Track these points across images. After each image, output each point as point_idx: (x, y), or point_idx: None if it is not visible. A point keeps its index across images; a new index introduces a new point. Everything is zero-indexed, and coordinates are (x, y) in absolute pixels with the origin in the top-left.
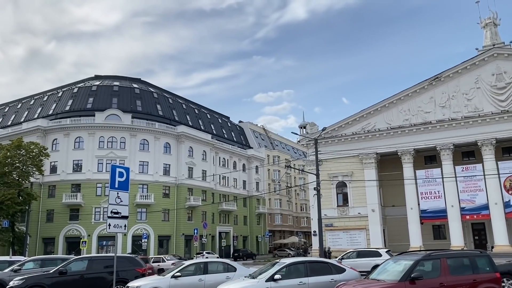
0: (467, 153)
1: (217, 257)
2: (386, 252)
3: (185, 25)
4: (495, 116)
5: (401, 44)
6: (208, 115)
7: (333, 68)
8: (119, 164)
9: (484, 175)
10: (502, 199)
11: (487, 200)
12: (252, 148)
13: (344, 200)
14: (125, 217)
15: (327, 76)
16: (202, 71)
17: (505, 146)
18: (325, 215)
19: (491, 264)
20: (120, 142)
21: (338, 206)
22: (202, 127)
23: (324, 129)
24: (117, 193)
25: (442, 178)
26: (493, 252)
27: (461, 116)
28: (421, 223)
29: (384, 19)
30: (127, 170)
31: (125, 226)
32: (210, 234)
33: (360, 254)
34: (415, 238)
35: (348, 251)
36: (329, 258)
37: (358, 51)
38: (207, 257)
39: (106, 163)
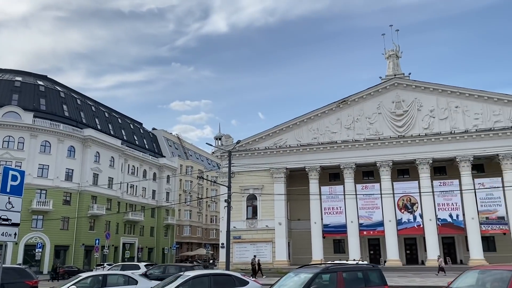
0: (367, 173)
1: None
2: (145, 265)
3: (100, 24)
4: (393, 140)
5: (315, 66)
6: (119, 119)
7: (251, 82)
8: (16, 166)
9: (381, 194)
10: (395, 217)
11: (383, 217)
12: (164, 157)
13: (253, 212)
14: (16, 225)
15: (245, 90)
16: (116, 73)
17: (400, 168)
18: (234, 227)
19: (381, 278)
20: (18, 143)
21: (247, 218)
22: (112, 132)
23: (238, 142)
24: (8, 198)
25: (344, 195)
26: (385, 266)
27: (363, 138)
28: (323, 237)
29: (300, 41)
30: (22, 173)
31: (15, 234)
32: (113, 245)
33: (124, 267)
34: (317, 251)
35: (114, 265)
36: (259, 270)
37: (275, 68)
38: (109, 269)
39: (0, 165)
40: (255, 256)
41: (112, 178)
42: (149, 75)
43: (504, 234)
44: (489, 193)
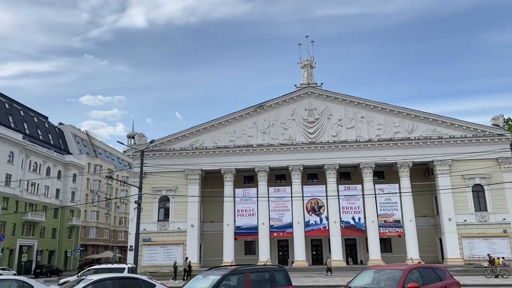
0: (280, 176)
1: (14, 274)
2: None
3: (3, 6)
4: (304, 146)
5: (234, 69)
6: (21, 112)
7: (169, 81)
8: None
9: (291, 197)
10: (304, 219)
11: (292, 219)
12: (71, 154)
13: (165, 214)
14: None
15: (162, 88)
16: (20, 61)
17: (310, 172)
18: (144, 229)
19: (286, 278)
20: None
21: (158, 220)
22: (12, 125)
23: (152, 142)
24: None
25: (257, 197)
26: (292, 266)
27: (277, 142)
28: (235, 239)
29: (220, 44)
30: None
31: None
32: (8, 248)
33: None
34: (228, 253)
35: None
36: (189, 272)
37: (194, 68)
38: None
39: None
40: (186, 258)
41: (11, 175)
42: (58, 66)
43: (399, 236)
44: (387, 198)
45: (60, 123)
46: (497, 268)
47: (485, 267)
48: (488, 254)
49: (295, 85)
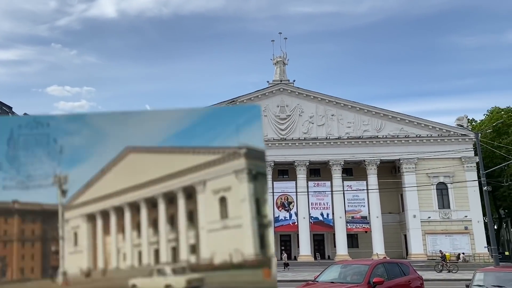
0: None
1: None
2: None
3: None
4: (276, 142)
5: (207, 64)
6: None
7: (139, 73)
8: None
9: None
10: (274, 215)
11: None
12: None
13: None
14: None
15: (132, 80)
16: None
17: (281, 168)
18: None
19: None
20: None
21: None
22: None
23: None
24: None
25: None
26: None
27: None
28: None
29: (193, 37)
30: None
31: None
32: None
33: None
34: None
35: None
36: None
37: (166, 61)
38: None
39: None
40: None
41: None
42: (23, 55)
43: (366, 232)
44: (355, 195)
45: (25, 114)
46: (447, 264)
47: (436, 262)
48: (440, 251)
49: (268, 82)
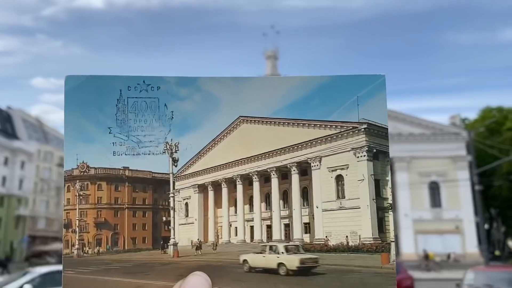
0: None
1: None
2: None
3: None
4: None
5: (197, 56)
6: None
7: (127, 65)
8: None
9: None
10: None
11: None
12: (20, 139)
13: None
14: None
15: (119, 73)
16: None
17: None
18: None
19: None
20: None
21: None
22: None
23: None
24: None
25: None
26: None
27: None
28: None
29: (183, 29)
30: None
31: None
32: None
33: None
34: None
35: None
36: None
37: (155, 54)
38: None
39: None
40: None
41: None
42: (7, 45)
43: None
44: None
45: (9, 107)
46: (430, 263)
47: (419, 262)
48: (424, 250)
49: None
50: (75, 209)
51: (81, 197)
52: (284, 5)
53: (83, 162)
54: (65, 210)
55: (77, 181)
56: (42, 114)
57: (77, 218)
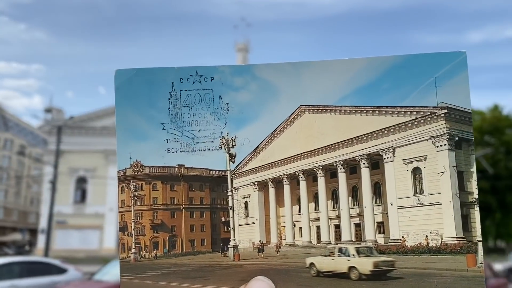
0: None
1: None
2: None
3: None
4: None
5: (166, 45)
6: None
7: (93, 52)
8: None
9: None
10: None
11: None
12: None
13: (82, 196)
14: None
15: (85, 60)
16: None
17: None
18: (59, 211)
19: None
20: None
21: (75, 202)
22: None
23: (71, 118)
24: None
25: None
26: None
27: None
28: None
29: (152, 17)
30: None
31: None
32: None
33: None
34: None
35: None
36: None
37: (123, 41)
38: None
39: None
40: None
41: None
42: None
43: None
44: None
45: None
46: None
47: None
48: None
49: None
50: (130, 210)
51: (136, 198)
52: None
53: (136, 161)
54: (120, 212)
55: (131, 181)
56: (3, 100)
57: (132, 220)
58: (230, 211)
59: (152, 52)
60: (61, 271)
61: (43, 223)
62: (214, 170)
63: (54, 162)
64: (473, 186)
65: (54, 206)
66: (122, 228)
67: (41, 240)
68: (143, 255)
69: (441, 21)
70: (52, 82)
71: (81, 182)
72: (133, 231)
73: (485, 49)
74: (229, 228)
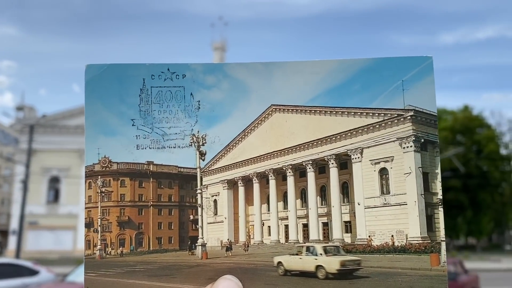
0: None
1: None
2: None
3: None
4: None
5: (142, 43)
6: None
7: (67, 49)
8: None
9: None
10: None
11: None
12: None
13: (55, 196)
14: None
15: (58, 57)
16: None
17: None
18: (30, 211)
19: None
20: None
21: (48, 202)
22: None
23: (44, 116)
24: None
25: None
26: None
27: None
28: None
29: (127, 15)
30: None
31: None
32: None
33: None
34: None
35: None
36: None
37: (97, 38)
38: None
39: None
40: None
41: None
42: None
43: None
44: None
45: None
46: None
47: None
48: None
49: None
50: (97, 207)
51: (103, 194)
52: None
53: (104, 156)
54: (86, 208)
55: (99, 177)
56: None
57: (99, 217)
58: (199, 209)
59: (127, 49)
60: (33, 273)
61: (14, 224)
62: (183, 168)
63: (26, 161)
64: (437, 187)
65: (25, 206)
66: (88, 225)
67: (12, 241)
68: (109, 252)
69: (415, 23)
70: (23, 79)
71: (54, 182)
72: (99, 227)
73: (457, 50)
74: (198, 226)
